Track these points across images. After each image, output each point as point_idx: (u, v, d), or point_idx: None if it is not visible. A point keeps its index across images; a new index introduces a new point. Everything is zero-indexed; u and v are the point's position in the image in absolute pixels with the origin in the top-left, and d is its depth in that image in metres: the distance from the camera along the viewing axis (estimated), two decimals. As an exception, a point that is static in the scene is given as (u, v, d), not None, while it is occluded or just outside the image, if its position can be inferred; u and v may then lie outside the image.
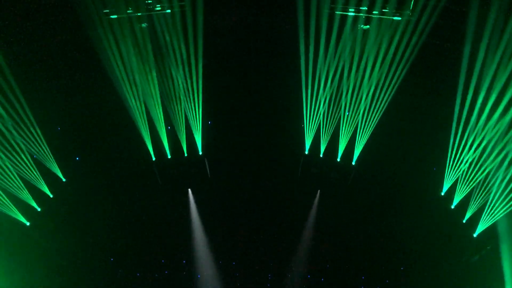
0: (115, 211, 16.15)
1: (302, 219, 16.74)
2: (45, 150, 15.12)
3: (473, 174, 14.33)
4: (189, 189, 16.71)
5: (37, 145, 14.93)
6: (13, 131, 14.20)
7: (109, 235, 16.20)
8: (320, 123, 16.02)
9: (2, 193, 14.43)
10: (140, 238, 16.51)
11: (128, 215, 16.32)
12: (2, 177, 14.38)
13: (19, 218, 14.96)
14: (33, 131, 14.69)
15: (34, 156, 15.02)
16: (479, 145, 13.70)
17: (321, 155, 16.35)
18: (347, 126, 15.92)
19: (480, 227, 15.00)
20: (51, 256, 15.36)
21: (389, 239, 16.15)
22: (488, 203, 14.41)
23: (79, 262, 15.65)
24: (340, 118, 15.94)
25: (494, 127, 13.10)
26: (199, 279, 16.74)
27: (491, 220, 14.23)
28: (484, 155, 13.79)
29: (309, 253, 16.70)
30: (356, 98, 15.10)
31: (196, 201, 16.66)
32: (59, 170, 15.53)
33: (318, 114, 15.77)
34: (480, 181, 14.21)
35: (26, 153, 14.73)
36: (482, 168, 13.98)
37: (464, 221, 15.33)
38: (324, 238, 16.61)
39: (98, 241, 16.07)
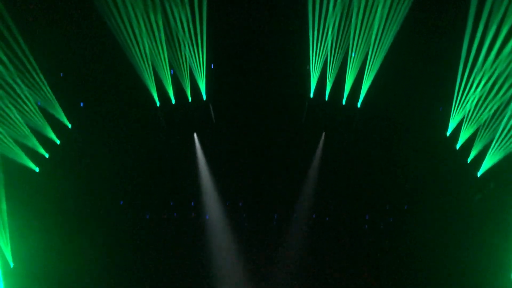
0: (122, 156, 16.35)
1: (307, 161, 16.93)
2: (50, 97, 15.14)
3: (480, 112, 14.20)
4: (195, 134, 16.83)
5: (42, 93, 14.94)
6: (18, 80, 14.22)
7: (117, 179, 16.53)
8: (325, 65, 15.79)
9: (11, 141, 14.64)
10: (148, 182, 16.86)
11: (135, 160, 16.53)
12: (10, 126, 14.56)
13: (28, 165, 15.25)
14: (37, 78, 14.66)
15: (39, 103, 15.06)
16: (487, 81, 13.47)
17: (326, 98, 16.23)
18: (352, 67, 15.69)
19: (484, 167, 15.11)
20: (60, 201, 15.79)
21: (393, 180, 16.38)
22: (494, 142, 14.43)
23: (88, 206, 16.11)
24: (346, 59, 15.68)
25: (504, 62, 12.82)
26: (208, 220, 17.29)
27: (496, 159, 14.29)
28: (493, 92, 13.61)
29: (313, 194, 17.07)
30: (363, 37, 14.76)
31: (202, 145, 16.84)
32: (64, 117, 15.60)
33: (324, 56, 15.49)
34: (486, 119, 14.11)
35: (32, 101, 14.80)
36: (490, 105, 13.84)
37: (468, 161, 15.43)
38: (329, 180, 16.87)
39: (106, 185, 16.45)
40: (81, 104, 16.13)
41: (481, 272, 14.52)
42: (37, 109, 14.98)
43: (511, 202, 14.47)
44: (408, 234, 16.44)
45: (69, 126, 15.76)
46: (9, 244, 14.77)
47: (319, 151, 16.81)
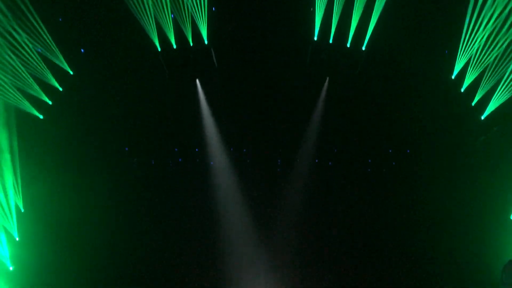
0: (124, 102, 16.32)
1: (311, 105, 16.86)
2: (50, 44, 14.98)
3: (486, 53, 13.94)
4: (197, 79, 16.67)
5: (42, 40, 14.78)
6: (18, 28, 14.04)
7: (121, 125, 16.57)
8: (330, 7, 15.38)
9: (14, 89, 14.67)
10: (151, 128, 16.91)
11: (138, 106, 16.48)
12: (13, 74, 14.53)
13: (33, 113, 15.33)
14: (36, 24, 14.45)
15: (39, 50, 14.91)
16: (496, 19, 13.10)
17: (330, 41, 15.93)
18: (357, 9, 15.29)
19: (488, 110, 15.04)
20: (66, 148, 15.94)
21: (396, 123, 16.35)
22: (500, 85, 14.28)
23: (93, 153, 16.24)
24: (350, 1, 15.26)
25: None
26: (212, 166, 17.50)
27: (500, 101, 14.19)
28: (502, 32, 13.27)
29: (317, 139, 17.13)
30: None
31: (204, 91, 16.72)
32: (65, 64, 15.48)
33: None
34: (494, 59, 13.86)
35: (32, 49, 14.67)
36: (498, 46, 13.55)
37: (473, 104, 15.34)
38: (332, 124, 16.86)
39: (111, 132, 16.54)
40: (82, 51, 15.95)
41: (483, 212, 14.78)
42: (38, 57, 14.87)
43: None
44: (410, 177, 16.63)
45: (71, 73, 15.68)
46: (20, 191, 15.18)
47: (323, 95, 16.69)
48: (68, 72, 15.68)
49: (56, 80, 15.49)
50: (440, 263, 15.41)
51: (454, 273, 14.91)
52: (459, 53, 14.88)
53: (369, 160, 17.18)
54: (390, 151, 17.01)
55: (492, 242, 14.37)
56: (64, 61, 15.46)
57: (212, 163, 17.64)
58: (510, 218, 14.91)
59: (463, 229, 15.16)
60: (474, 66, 14.69)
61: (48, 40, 14.90)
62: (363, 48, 15.64)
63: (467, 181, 15.50)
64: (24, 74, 14.80)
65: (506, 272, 11.26)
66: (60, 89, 15.60)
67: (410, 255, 16.07)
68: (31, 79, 14.99)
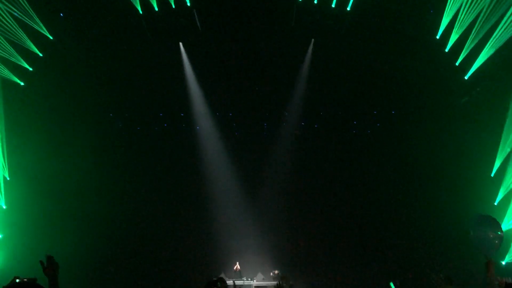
0: (107, 68, 16.06)
1: (296, 68, 16.76)
2: (28, 10, 14.51)
3: (470, 11, 13.82)
4: (180, 43, 16.38)
5: (19, 5, 14.29)
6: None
7: (104, 91, 16.41)
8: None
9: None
10: (135, 93, 16.78)
11: (121, 71, 16.27)
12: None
13: (12, 79, 15.05)
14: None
15: (16, 14, 14.46)
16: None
17: (315, 2, 15.65)
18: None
19: (472, 69, 15.08)
20: (48, 114, 15.76)
21: (381, 85, 16.38)
22: (484, 43, 14.24)
23: (76, 119, 16.08)
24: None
25: None
26: (198, 130, 17.50)
27: (483, 60, 14.21)
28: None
29: (303, 101, 17.14)
30: None
31: (188, 54, 16.47)
32: (45, 29, 15.08)
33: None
34: (478, 16, 13.73)
35: (9, 17, 14.21)
36: (480, 4, 13.44)
37: (457, 64, 15.35)
38: (318, 86, 16.84)
39: (93, 97, 16.37)
40: (61, 15, 15.49)
41: (467, 169, 15.06)
42: (16, 23, 14.43)
43: (496, 104, 14.65)
44: (395, 138, 16.85)
45: (51, 38, 15.30)
46: (6, 160, 15.09)
47: (308, 57, 16.55)
48: (48, 38, 15.28)
49: (36, 46, 15.11)
50: (425, 217, 15.85)
51: (435, 224, 15.33)
52: (445, 12, 14.74)
53: (354, 122, 17.33)
54: (375, 112, 17.14)
55: (474, 197, 14.73)
56: (43, 27, 15.03)
57: (198, 127, 17.64)
58: (491, 176, 15.26)
59: (447, 185, 15.50)
60: (458, 25, 14.59)
61: (25, 5, 14.42)
62: (348, 9, 15.41)
63: (451, 140, 15.70)
64: (3, 43, 14.41)
65: (473, 226, 11.80)
66: (41, 55, 15.24)
67: (396, 212, 16.51)
68: (9, 46, 14.61)
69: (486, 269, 5.39)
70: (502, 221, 14.13)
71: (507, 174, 14.51)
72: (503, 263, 14.83)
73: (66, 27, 15.44)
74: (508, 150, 14.26)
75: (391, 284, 6.42)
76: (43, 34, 15.11)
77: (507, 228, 14.05)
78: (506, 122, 14.08)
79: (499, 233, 11.48)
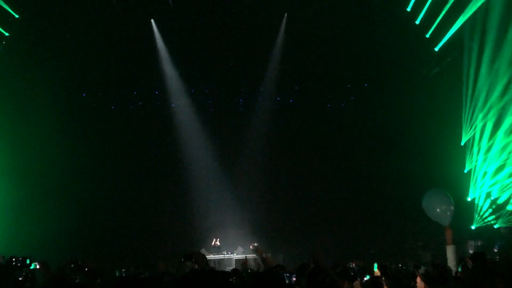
0: (76, 45, 15.56)
1: (270, 43, 16.68)
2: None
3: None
4: (152, 20, 16.04)
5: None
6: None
7: (74, 70, 16.02)
8: None
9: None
10: (107, 72, 16.43)
11: (91, 48, 15.80)
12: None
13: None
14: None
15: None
16: None
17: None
18: None
19: (442, 41, 15.31)
20: (15, 96, 15.22)
21: (354, 57, 16.48)
22: (454, 16, 14.43)
23: (48, 99, 15.66)
24: None
25: None
26: (174, 108, 17.42)
27: (453, 32, 14.43)
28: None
29: (277, 76, 17.17)
30: None
31: (160, 31, 16.17)
32: (8, 7, 14.53)
33: None
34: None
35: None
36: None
37: (427, 36, 15.55)
38: (292, 61, 16.85)
39: (64, 78, 16.02)
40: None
41: (438, 138, 15.47)
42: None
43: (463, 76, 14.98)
44: (368, 109, 17.14)
45: (16, 16, 14.77)
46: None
47: (281, 32, 16.47)
48: (14, 16, 14.76)
49: (1, 25, 14.58)
50: (398, 186, 16.31)
51: (408, 193, 15.78)
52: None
53: (329, 96, 17.52)
54: (348, 86, 17.34)
55: (445, 165, 15.21)
56: (6, 5, 14.48)
57: (173, 105, 17.55)
58: (461, 144, 15.75)
59: (419, 155, 15.93)
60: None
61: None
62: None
63: (422, 111, 16.04)
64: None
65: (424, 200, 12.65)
66: (6, 34, 14.74)
67: (369, 182, 16.95)
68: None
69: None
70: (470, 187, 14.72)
71: (475, 143, 15.00)
72: (473, 227, 15.52)
73: (32, 5, 14.93)
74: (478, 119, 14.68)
75: (375, 266, 6.67)
76: (9, 12, 14.60)
77: (474, 196, 14.66)
78: (474, 91, 14.42)
79: (447, 205, 12.11)
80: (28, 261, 5.26)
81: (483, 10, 13.17)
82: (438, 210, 11.83)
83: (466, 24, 14.21)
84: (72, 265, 5.14)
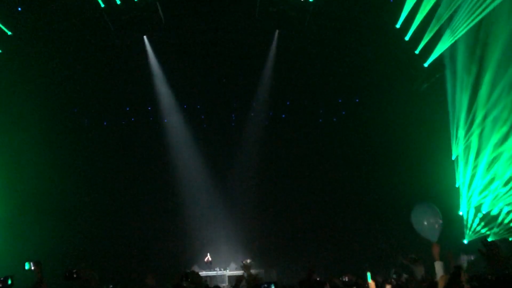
0: (69, 63, 15.68)
1: (262, 59, 16.85)
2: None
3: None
4: (144, 36, 16.17)
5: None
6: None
7: (67, 86, 16.06)
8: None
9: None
10: (101, 88, 16.50)
11: (84, 66, 15.93)
12: None
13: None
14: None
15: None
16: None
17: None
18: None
19: (432, 57, 15.55)
20: (7, 113, 15.17)
21: (344, 72, 16.71)
22: (443, 32, 14.69)
23: (40, 116, 15.54)
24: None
25: None
26: (166, 123, 17.44)
27: (443, 48, 14.67)
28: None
29: (269, 92, 17.30)
30: None
31: (153, 48, 16.29)
32: (1, 24, 14.58)
33: None
34: (437, 5, 14.09)
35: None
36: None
37: (416, 52, 15.80)
38: (284, 77, 17.03)
39: (57, 94, 16.00)
40: (19, 9, 15.02)
41: (428, 152, 15.60)
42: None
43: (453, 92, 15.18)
44: (360, 124, 17.27)
45: (9, 33, 14.81)
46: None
47: (273, 48, 16.67)
48: (6, 33, 14.80)
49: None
50: (389, 200, 16.35)
51: (399, 208, 15.83)
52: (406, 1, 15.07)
53: (321, 111, 17.64)
54: (340, 100, 17.50)
55: (437, 180, 15.32)
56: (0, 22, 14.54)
57: (165, 120, 17.58)
58: (452, 159, 15.88)
59: (410, 170, 16.02)
60: (419, 13, 14.95)
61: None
62: (311, 0, 15.57)
63: (413, 125, 16.19)
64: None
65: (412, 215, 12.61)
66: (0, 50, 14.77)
67: (362, 197, 16.98)
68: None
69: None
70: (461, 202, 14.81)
71: (465, 157, 15.13)
72: (465, 242, 15.56)
73: (25, 22, 14.99)
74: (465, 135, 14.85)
75: (368, 275, 6.69)
76: (1, 29, 14.64)
77: (465, 210, 14.74)
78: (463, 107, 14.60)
79: (436, 220, 12.02)
80: (10, 281, 5.25)
81: (473, 26, 13.42)
82: (426, 224, 11.77)
83: (455, 40, 14.48)
84: (66, 274, 5.16)
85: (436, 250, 5.71)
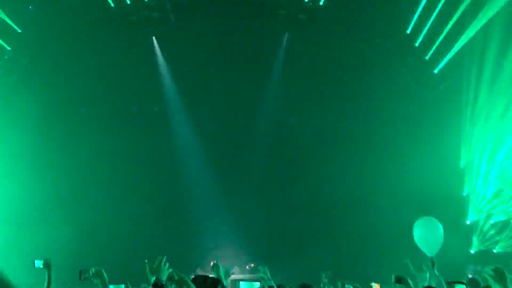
0: (77, 62, 15.63)
1: (271, 62, 16.77)
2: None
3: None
4: (153, 37, 16.16)
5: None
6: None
7: (75, 86, 16.01)
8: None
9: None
10: (107, 88, 16.45)
11: (92, 66, 15.86)
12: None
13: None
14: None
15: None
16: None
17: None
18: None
19: (442, 63, 15.44)
20: (15, 110, 15.22)
21: (354, 78, 16.55)
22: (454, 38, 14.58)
23: (46, 115, 15.48)
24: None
25: None
26: (172, 124, 17.37)
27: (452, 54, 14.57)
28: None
29: (277, 96, 17.19)
30: None
31: (161, 48, 16.27)
32: (11, 22, 14.65)
33: None
34: (448, 11, 13.98)
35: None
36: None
37: (427, 58, 15.68)
38: (293, 79, 16.89)
39: (65, 93, 15.98)
40: (30, 8, 15.10)
41: (435, 160, 15.41)
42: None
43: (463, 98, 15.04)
44: (367, 130, 17.10)
45: (19, 31, 14.88)
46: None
47: (282, 52, 16.60)
48: (16, 31, 14.87)
49: (3, 39, 14.68)
50: (396, 208, 16.14)
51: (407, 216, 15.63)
52: (417, 6, 14.98)
53: (328, 116, 17.49)
54: (347, 106, 17.36)
55: (443, 187, 15.11)
56: (9, 19, 14.61)
57: (172, 122, 17.52)
58: (460, 167, 15.71)
59: (417, 177, 15.80)
60: (429, 19, 14.84)
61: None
62: (321, 3, 15.53)
63: (421, 132, 16.03)
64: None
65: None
66: (8, 48, 14.83)
67: (367, 201, 16.75)
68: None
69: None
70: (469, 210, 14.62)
71: (475, 166, 14.97)
72: (472, 251, 15.35)
73: (35, 20, 15.06)
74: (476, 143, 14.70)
75: (373, 285, 6.57)
76: (11, 27, 14.72)
77: (473, 219, 14.55)
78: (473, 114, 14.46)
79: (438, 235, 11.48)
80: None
81: (483, 32, 13.30)
82: (425, 239, 11.28)
83: (465, 46, 14.36)
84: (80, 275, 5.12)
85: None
